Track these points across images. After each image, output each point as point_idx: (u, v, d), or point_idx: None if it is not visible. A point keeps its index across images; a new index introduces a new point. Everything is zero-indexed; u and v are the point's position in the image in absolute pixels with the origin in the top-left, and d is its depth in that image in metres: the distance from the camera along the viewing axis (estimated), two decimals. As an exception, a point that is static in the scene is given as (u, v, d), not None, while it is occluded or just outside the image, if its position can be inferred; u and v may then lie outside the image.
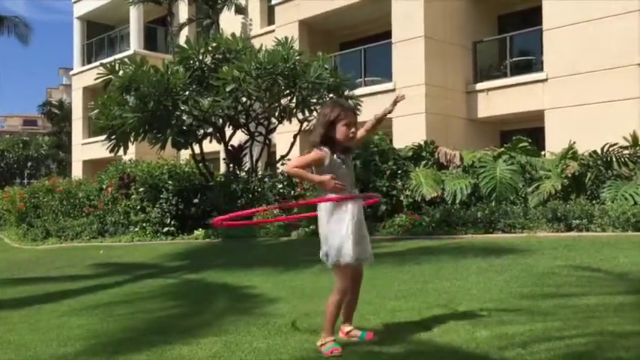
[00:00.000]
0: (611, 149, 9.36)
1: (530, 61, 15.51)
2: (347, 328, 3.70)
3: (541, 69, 14.64)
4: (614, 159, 9.33)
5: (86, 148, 25.53)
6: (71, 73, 28.61)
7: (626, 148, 9.41)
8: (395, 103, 3.82)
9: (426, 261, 6.67)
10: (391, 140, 12.05)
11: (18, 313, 5.61)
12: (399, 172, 10.62)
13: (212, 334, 4.08)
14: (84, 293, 6.54)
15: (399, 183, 10.42)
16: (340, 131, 3.49)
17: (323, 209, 3.52)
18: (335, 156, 3.51)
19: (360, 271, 3.65)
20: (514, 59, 15.60)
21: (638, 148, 9.48)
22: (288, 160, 11.72)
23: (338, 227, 3.46)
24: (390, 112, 3.85)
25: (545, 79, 14.33)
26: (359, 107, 10.82)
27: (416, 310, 4.34)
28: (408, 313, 4.24)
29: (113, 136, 11.54)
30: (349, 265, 3.46)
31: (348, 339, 3.65)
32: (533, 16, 15.24)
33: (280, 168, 12.30)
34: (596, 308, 4.03)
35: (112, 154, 12.25)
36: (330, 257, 3.48)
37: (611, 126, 11.83)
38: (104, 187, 14.03)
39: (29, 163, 37.15)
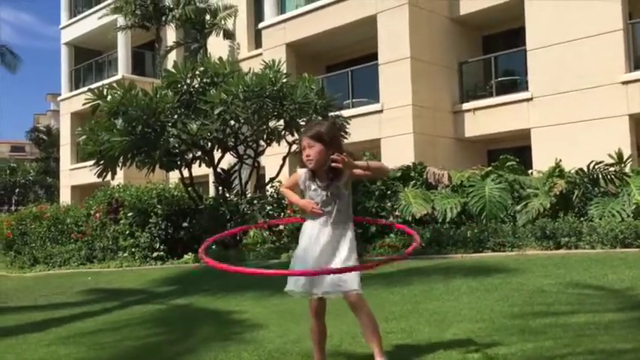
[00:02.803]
0: (597, 167, 9.44)
1: (515, 81, 15.72)
2: None
3: (526, 88, 14.82)
4: (600, 176, 9.41)
5: (74, 174, 25.40)
6: (59, 98, 28.59)
7: (611, 165, 9.50)
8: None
9: (417, 281, 6.65)
10: (379, 161, 12.10)
11: (4, 342, 5.50)
12: (388, 192, 10.64)
13: (202, 361, 4.04)
14: (71, 321, 6.44)
15: (388, 204, 10.44)
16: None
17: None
18: (308, 180, 3.37)
19: (317, 302, 3.39)
20: (499, 79, 15.80)
21: (623, 165, 9.58)
22: (279, 182, 11.78)
23: (296, 249, 3.47)
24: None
25: (531, 99, 14.50)
26: (346, 127, 10.85)
27: (407, 331, 4.32)
28: (400, 335, 4.22)
29: (101, 162, 11.49)
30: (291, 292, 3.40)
31: None
32: (516, 37, 15.49)
33: (270, 190, 12.28)
34: (587, 326, 4.04)
35: (101, 180, 12.18)
36: None
37: (597, 144, 11.97)
38: (92, 212, 13.92)
39: (17, 190, 36.92)
